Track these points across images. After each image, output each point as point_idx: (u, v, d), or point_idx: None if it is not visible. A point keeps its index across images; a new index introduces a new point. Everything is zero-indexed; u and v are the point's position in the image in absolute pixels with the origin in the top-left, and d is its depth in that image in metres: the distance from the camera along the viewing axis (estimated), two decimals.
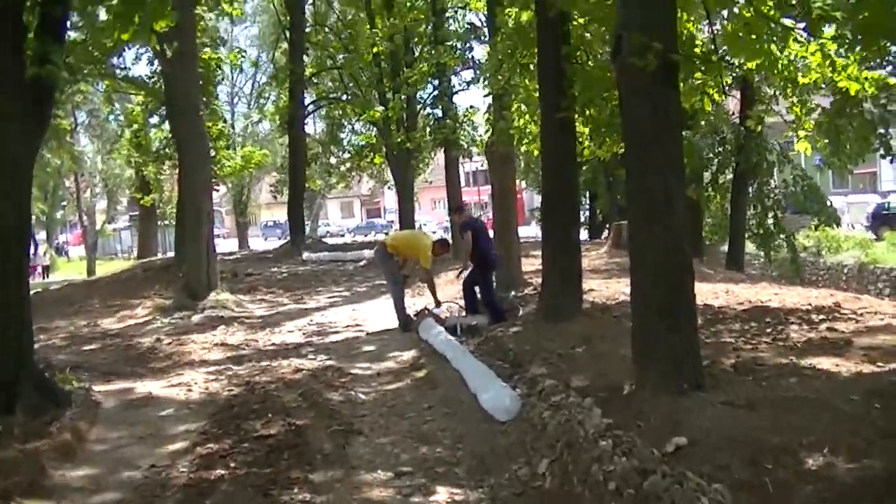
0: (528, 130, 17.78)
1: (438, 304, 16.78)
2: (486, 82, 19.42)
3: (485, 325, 15.31)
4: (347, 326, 17.44)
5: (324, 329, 17.27)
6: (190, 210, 22.09)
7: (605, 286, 17.07)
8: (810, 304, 13.95)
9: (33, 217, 76.46)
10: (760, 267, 35.14)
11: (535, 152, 18.65)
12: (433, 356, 13.00)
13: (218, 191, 45.27)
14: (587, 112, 14.15)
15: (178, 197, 25.48)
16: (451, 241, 18.51)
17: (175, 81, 22.81)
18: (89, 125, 54.93)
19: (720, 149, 28.84)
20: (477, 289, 16.18)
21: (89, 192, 68.68)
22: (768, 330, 11.68)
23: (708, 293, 15.11)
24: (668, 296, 8.56)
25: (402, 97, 35.38)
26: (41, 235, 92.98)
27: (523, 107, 17.66)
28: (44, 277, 59.35)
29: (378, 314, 18.69)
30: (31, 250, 79.23)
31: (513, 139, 17.72)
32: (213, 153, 36.90)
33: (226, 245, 64.68)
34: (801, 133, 14.85)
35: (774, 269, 34.04)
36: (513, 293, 17.60)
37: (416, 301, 19.55)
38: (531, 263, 20.28)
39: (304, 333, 16.80)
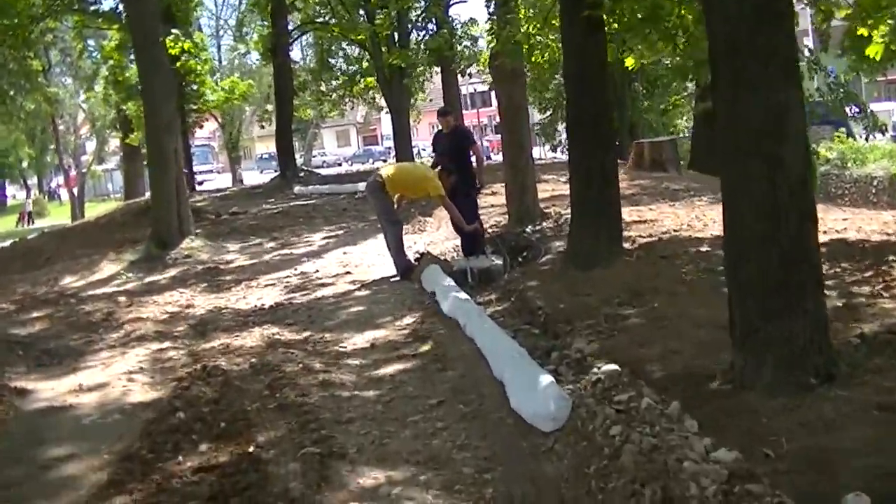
0: (538, 39, 15.19)
1: (479, 229, 14.46)
2: None
3: (500, 269, 12.80)
4: (337, 276, 14.74)
5: (309, 281, 14.62)
6: (154, 149, 19.45)
7: (637, 215, 14.39)
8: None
9: (24, 162, 76.01)
10: None
11: (546, 65, 16.24)
12: (441, 318, 10.39)
13: (202, 126, 43.25)
14: (618, 9, 11.43)
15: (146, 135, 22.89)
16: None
17: (131, 6, 20.12)
18: (63, 64, 52.32)
19: None
20: None
21: (73, 133, 67.34)
22: (868, 274, 9.11)
23: None
24: (783, 257, 5.96)
25: (392, 12, 32.44)
26: (32, 180, 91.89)
27: (531, 12, 15.10)
28: (28, 224, 57.77)
29: (373, 258, 16.04)
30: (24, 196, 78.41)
31: (521, 50, 15.05)
32: (195, 86, 35.07)
33: (220, 181, 63.26)
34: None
35: None
36: (529, 228, 15.02)
37: (416, 240, 16.93)
38: (543, 189, 17.74)
39: (285, 288, 14.18)
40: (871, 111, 27.33)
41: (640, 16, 11.03)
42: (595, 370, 6.84)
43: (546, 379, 6.72)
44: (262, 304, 12.87)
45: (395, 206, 14.18)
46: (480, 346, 8.48)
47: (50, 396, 8.92)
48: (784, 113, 5.85)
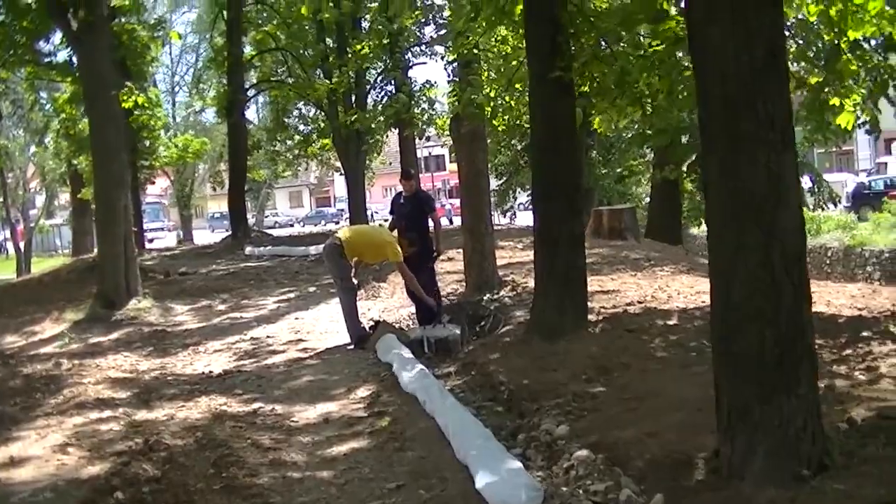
0: (500, 102, 14.92)
1: (436, 297, 14.12)
2: (450, 46, 16.52)
3: (457, 339, 12.35)
4: (288, 343, 14.18)
5: (260, 347, 14.04)
6: (102, 206, 18.79)
7: (599, 285, 13.97)
8: (866, 307, 11.20)
9: None
10: None
11: (503, 127, 16.00)
12: (397, 391, 9.90)
13: (153, 183, 42.79)
14: (586, 73, 11.11)
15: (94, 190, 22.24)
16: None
17: (85, 58, 19.55)
18: (14, 115, 51.52)
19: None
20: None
21: (23, 186, 66.57)
22: (847, 352, 8.72)
23: None
24: (778, 335, 5.48)
25: (350, 72, 32.13)
26: None
27: (493, 74, 14.82)
28: None
29: (326, 324, 15.53)
30: None
31: (483, 112, 14.69)
32: (147, 142, 34.66)
33: (170, 239, 62.68)
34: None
35: None
36: (487, 296, 14.58)
37: (370, 306, 16.46)
38: (500, 256, 17.32)
39: (234, 354, 13.59)
40: (825, 182, 27.48)
41: (612, 80, 10.70)
42: (567, 456, 6.38)
43: (515, 465, 6.25)
44: (210, 371, 12.29)
45: (353, 270, 13.68)
46: (442, 424, 7.99)
47: None
48: (782, 179, 5.43)
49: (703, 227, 34.98)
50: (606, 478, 5.77)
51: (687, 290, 13.43)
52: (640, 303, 12.48)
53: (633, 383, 8.34)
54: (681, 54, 9.45)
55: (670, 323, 10.90)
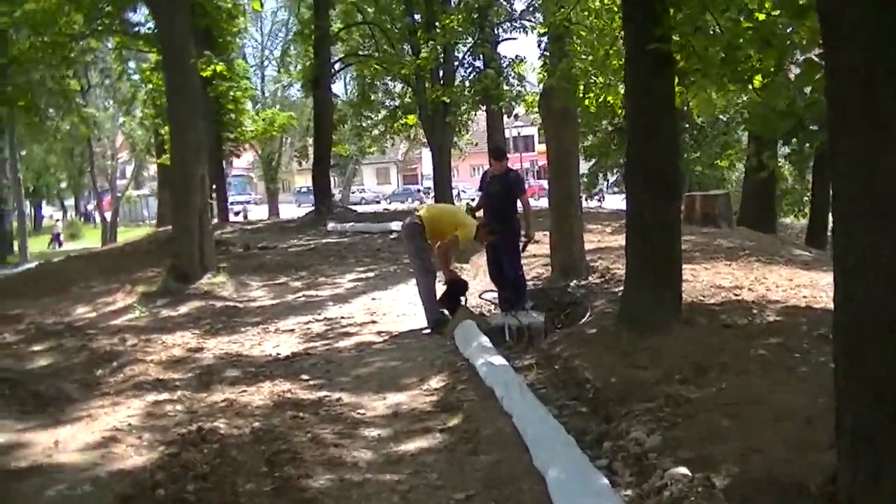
0: (593, 79, 14.11)
1: (450, 275, 13.38)
2: (541, 19, 15.75)
3: (541, 327, 11.58)
4: (362, 325, 13.54)
5: (332, 329, 13.42)
6: (179, 175, 18.33)
7: (692, 274, 13.06)
8: None
9: (62, 183, 75.98)
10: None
11: (594, 108, 15.17)
12: (473, 384, 9.18)
13: (239, 156, 42.58)
14: (689, 45, 10.20)
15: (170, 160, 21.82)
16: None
17: (164, 25, 19.05)
18: (102, 85, 51.64)
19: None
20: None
21: (111, 156, 67.10)
22: None
23: None
24: None
25: (438, 47, 31.41)
26: (70, 202, 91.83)
27: (586, 48, 14.01)
28: (58, 246, 57.29)
29: (403, 306, 14.91)
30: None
31: (575, 88, 13.88)
32: (233, 115, 34.40)
33: (258, 212, 62.73)
34: None
35: None
36: (574, 283, 13.77)
37: None
38: (588, 241, 16.33)
39: (305, 335, 12.98)
40: None
41: (717, 55, 9.78)
42: (660, 473, 5.60)
43: (601, 482, 5.48)
44: (278, 353, 11.70)
45: (433, 250, 12.98)
46: (520, 426, 7.24)
47: (21, 454, 7.71)
48: None
49: (793, 216, 33.97)
50: (706, 503, 4.99)
51: (785, 284, 12.51)
52: (735, 295, 11.60)
53: (732, 387, 7.52)
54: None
55: (770, 319, 10.02)
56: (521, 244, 13.22)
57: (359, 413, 8.60)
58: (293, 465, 6.88)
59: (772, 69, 9.23)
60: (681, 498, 5.08)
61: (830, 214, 26.16)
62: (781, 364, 8.19)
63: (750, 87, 9.90)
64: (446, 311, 12.80)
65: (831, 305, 10.25)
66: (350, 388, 9.59)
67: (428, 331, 12.50)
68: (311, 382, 9.95)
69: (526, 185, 13.81)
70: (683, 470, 5.49)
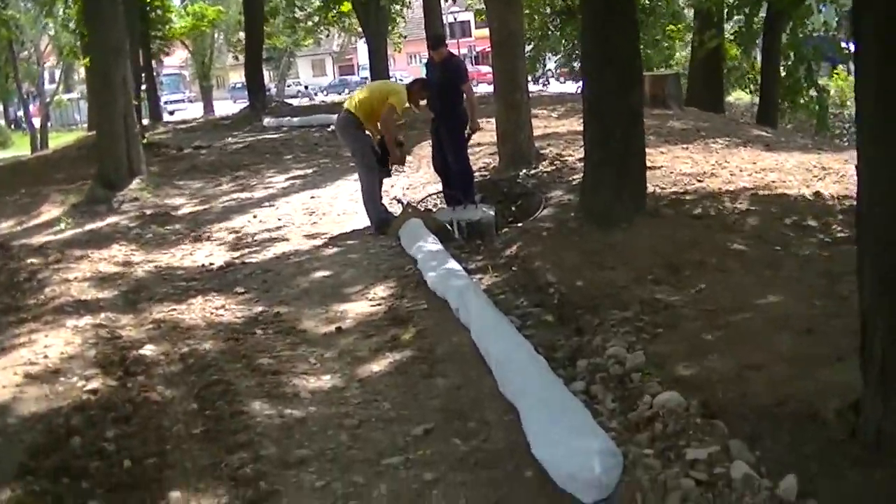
0: None
1: (399, 147, 12.21)
2: None
3: (492, 222, 10.82)
4: (301, 227, 12.71)
5: (269, 232, 12.54)
6: (98, 78, 17.18)
7: (649, 160, 12.15)
8: None
9: None
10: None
11: None
12: (423, 291, 8.42)
13: (169, 54, 41.32)
14: None
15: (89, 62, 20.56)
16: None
17: None
18: None
19: None
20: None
21: (37, 60, 65.32)
22: None
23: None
24: None
25: None
26: None
27: None
28: None
29: (344, 204, 14.06)
30: None
31: None
32: (159, 12, 33.21)
33: (192, 110, 61.37)
34: None
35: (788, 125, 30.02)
36: (523, 172, 12.97)
37: (393, 183, 14.90)
38: (535, 127, 15.11)
39: (240, 241, 12.12)
40: None
41: None
42: (647, 400, 4.86)
43: (582, 416, 4.74)
44: (211, 264, 10.85)
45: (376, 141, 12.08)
46: (480, 343, 6.49)
47: None
48: None
49: (742, 93, 33.34)
50: (708, 438, 4.26)
51: (750, 167, 11.83)
52: (699, 181, 10.90)
53: (714, 289, 6.82)
54: None
55: (741, 207, 9.32)
56: (465, 135, 12.35)
57: (299, 331, 7.80)
58: (226, 400, 6.11)
59: None
60: (676, 433, 4.36)
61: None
62: (763, 260, 7.52)
63: None
64: (388, 210, 12.03)
65: (804, 191, 9.65)
66: (290, 301, 8.79)
67: (372, 231, 11.67)
68: (248, 296, 9.13)
69: (464, 73, 12.77)
70: (675, 396, 4.75)
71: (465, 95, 12.06)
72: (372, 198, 11.88)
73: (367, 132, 11.92)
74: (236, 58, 58.71)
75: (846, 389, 4.51)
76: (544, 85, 40.25)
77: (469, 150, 12.85)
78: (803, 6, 22.84)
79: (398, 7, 35.74)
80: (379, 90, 12.34)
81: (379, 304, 8.37)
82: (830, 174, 11.20)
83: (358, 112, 11.84)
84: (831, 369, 4.96)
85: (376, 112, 11.77)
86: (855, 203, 4.23)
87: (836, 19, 25.96)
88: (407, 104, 11.96)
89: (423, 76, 12.67)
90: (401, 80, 49.61)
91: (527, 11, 30.99)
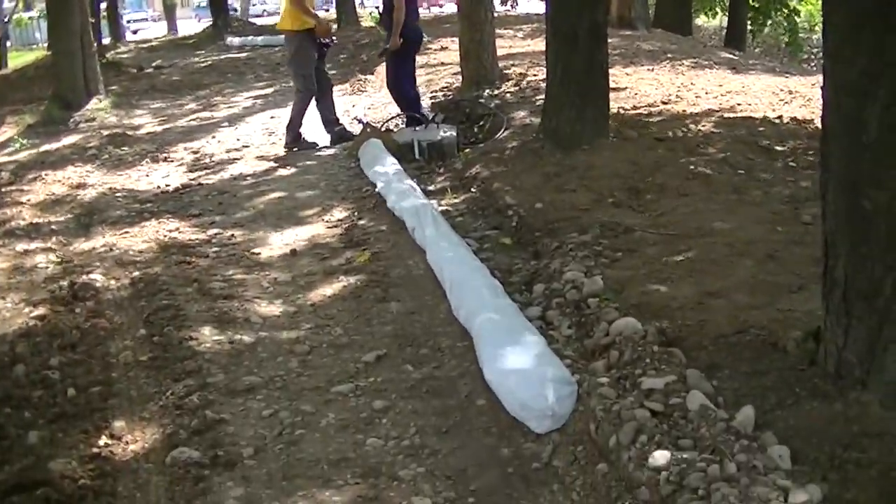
0: None
1: (319, 28, 12.03)
2: None
3: (453, 142, 10.64)
4: (259, 147, 12.41)
5: (228, 153, 12.23)
6: None
7: (614, 81, 11.86)
8: None
9: None
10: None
11: None
12: (381, 213, 8.28)
13: None
14: None
15: None
16: None
17: None
18: None
19: None
20: None
21: None
22: None
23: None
24: None
25: None
26: None
27: None
28: None
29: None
30: None
31: None
32: None
33: (156, 29, 60.35)
34: None
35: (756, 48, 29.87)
36: (487, 93, 12.74)
37: (355, 102, 14.68)
38: (499, 46, 14.65)
39: (197, 163, 11.79)
40: None
41: None
42: (605, 326, 4.74)
43: (537, 343, 4.62)
44: (167, 185, 10.57)
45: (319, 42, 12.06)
46: (435, 266, 6.36)
47: None
48: None
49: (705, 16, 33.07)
50: (665, 367, 4.14)
51: (716, 90, 11.67)
52: (664, 104, 10.72)
53: (676, 212, 6.68)
54: None
55: (705, 130, 9.15)
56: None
57: (253, 254, 7.63)
58: (175, 325, 5.96)
59: None
60: (632, 361, 4.24)
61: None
62: (726, 184, 7.39)
63: None
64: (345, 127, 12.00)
65: (770, 113, 9.50)
66: (244, 224, 8.60)
67: (327, 147, 11.80)
68: (202, 219, 8.91)
69: None
70: (633, 323, 4.63)
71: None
72: (298, 114, 12.00)
73: (298, 33, 11.92)
74: None
75: (808, 318, 4.41)
76: (513, 5, 39.76)
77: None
78: None
79: None
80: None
81: (335, 227, 8.21)
82: (797, 98, 11.06)
83: (286, 24, 11.93)
84: (792, 297, 4.85)
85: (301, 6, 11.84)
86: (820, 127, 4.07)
87: None
88: None
89: None
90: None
91: None
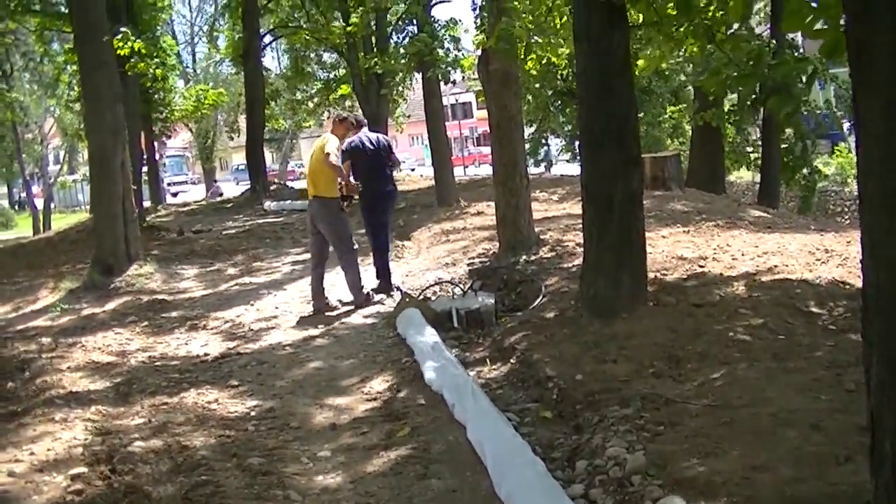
0: (535, 39, 13.29)
1: (348, 188, 12.57)
2: None
3: (491, 310, 10.66)
4: (298, 314, 12.56)
5: (266, 320, 12.40)
6: (97, 161, 17.12)
7: (650, 244, 11.93)
8: None
9: None
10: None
11: (535, 72, 14.34)
12: (420, 385, 8.23)
13: (171, 137, 41.61)
14: None
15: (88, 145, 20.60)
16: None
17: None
18: (27, 69, 49.87)
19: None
20: None
21: (41, 141, 65.86)
22: None
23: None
24: None
25: (369, 13, 30.06)
26: (2, 190, 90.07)
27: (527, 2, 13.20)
28: None
29: (340, 290, 13.62)
30: None
31: (515, 48, 12.89)
32: (161, 95, 33.37)
33: (196, 192, 61.64)
34: None
35: (791, 203, 30.05)
36: (524, 258, 12.82)
37: (392, 269, 14.79)
38: (535, 210, 14.93)
39: (236, 330, 11.91)
40: None
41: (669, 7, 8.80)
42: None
43: None
44: (206, 354, 10.64)
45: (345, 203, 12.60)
46: (476, 442, 6.30)
47: None
48: None
49: (743, 172, 33.31)
50: None
51: (752, 251, 11.66)
52: (701, 267, 10.73)
53: (717, 382, 6.63)
54: None
55: (743, 294, 9.13)
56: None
57: (293, 427, 7.60)
58: (214, 503, 5.88)
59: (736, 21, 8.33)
60: None
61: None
62: (767, 350, 7.32)
63: (709, 42, 8.96)
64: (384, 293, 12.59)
65: (807, 274, 9.48)
66: (283, 395, 8.60)
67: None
68: (241, 389, 8.93)
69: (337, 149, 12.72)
70: (678, 501, 4.56)
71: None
72: (354, 283, 12.58)
73: (336, 199, 12.34)
74: (232, 139, 59.06)
75: (856, 491, 4.33)
76: (547, 168, 40.21)
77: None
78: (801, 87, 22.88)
79: (399, 89, 35.68)
80: (314, 158, 12.62)
81: (374, 400, 8.18)
82: (833, 257, 11.05)
83: (316, 190, 12.29)
84: (840, 470, 4.77)
85: (328, 174, 12.20)
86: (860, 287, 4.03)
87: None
88: (338, 141, 12.40)
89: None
90: (403, 161, 49.98)
91: (529, 97, 31.11)
